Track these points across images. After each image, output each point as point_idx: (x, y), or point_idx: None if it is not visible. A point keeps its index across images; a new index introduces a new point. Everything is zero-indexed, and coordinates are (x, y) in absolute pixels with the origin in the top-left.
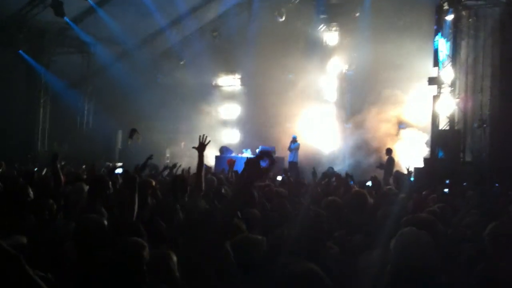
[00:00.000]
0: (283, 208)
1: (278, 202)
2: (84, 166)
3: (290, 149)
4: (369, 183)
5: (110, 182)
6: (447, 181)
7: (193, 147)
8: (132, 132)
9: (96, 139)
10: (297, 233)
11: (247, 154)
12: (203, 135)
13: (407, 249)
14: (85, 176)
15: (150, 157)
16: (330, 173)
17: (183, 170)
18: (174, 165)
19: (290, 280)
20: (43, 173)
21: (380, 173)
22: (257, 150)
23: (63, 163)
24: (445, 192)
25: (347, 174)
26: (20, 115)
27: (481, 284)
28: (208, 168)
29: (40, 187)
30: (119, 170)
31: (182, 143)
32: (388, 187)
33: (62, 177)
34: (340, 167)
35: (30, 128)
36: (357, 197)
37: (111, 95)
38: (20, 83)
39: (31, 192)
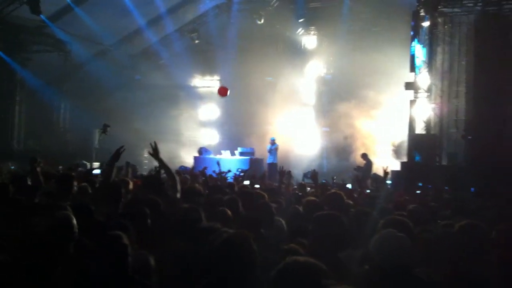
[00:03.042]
0: (267, 208)
1: (262, 203)
2: (60, 167)
3: (269, 150)
4: (349, 185)
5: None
6: (420, 184)
7: (149, 153)
8: (105, 127)
9: (72, 137)
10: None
11: (226, 155)
12: (153, 142)
13: (385, 249)
14: (73, 174)
15: (121, 148)
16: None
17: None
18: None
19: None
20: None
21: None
22: (237, 152)
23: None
24: (417, 193)
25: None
26: None
27: (450, 283)
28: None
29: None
30: (97, 171)
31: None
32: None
33: (41, 178)
34: (318, 169)
35: (5, 126)
36: (334, 197)
37: (88, 93)
38: None
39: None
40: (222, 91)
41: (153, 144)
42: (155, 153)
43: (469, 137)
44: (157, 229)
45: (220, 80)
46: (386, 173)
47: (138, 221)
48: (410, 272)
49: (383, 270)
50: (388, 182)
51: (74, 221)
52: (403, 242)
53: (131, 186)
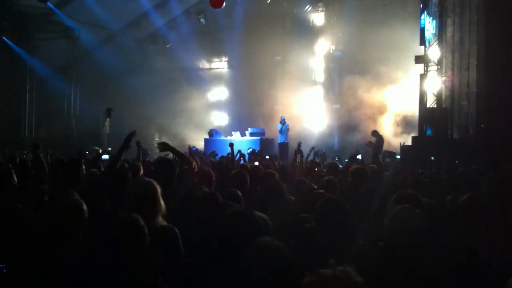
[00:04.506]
0: (278, 186)
1: (273, 182)
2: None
3: (281, 131)
4: (359, 157)
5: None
6: (432, 158)
7: (160, 150)
8: (108, 111)
9: (83, 124)
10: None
11: (237, 136)
12: (159, 142)
13: (402, 227)
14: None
15: (133, 133)
16: (318, 153)
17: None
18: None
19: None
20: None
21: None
22: (247, 132)
23: (50, 151)
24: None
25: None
26: (6, 102)
27: (451, 254)
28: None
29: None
30: (105, 156)
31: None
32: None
33: (45, 165)
34: (328, 146)
35: (16, 114)
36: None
37: (97, 79)
38: (4, 70)
39: (15, 178)
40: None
41: (159, 143)
42: (164, 146)
43: (482, 125)
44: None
45: (228, 61)
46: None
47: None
48: (423, 250)
49: (396, 249)
50: (398, 157)
51: (85, 207)
52: (420, 219)
53: (141, 171)
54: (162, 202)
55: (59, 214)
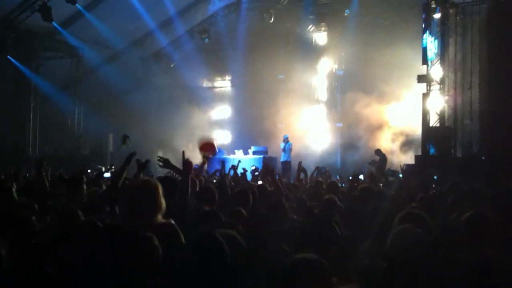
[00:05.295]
0: (281, 205)
1: (276, 200)
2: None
3: (284, 149)
4: (361, 177)
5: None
6: (435, 177)
7: (160, 166)
8: (124, 138)
9: (87, 142)
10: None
11: (239, 154)
12: (160, 156)
13: (402, 246)
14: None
15: (133, 154)
16: (322, 171)
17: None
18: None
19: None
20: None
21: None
22: (250, 151)
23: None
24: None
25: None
26: (10, 120)
27: (467, 272)
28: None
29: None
30: (107, 174)
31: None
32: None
33: (47, 182)
34: (332, 165)
35: (20, 132)
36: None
37: (101, 97)
38: (9, 88)
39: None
40: (207, 148)
41: (160, 158)
42: (165, 163)
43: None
44: None
45: (232, 80)
46: (402, 169)
47: None
48: (425, 269)
49: (398, 267)
50: (400, 175)
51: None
52: (420, 238)
53: None
54: (162, 200)
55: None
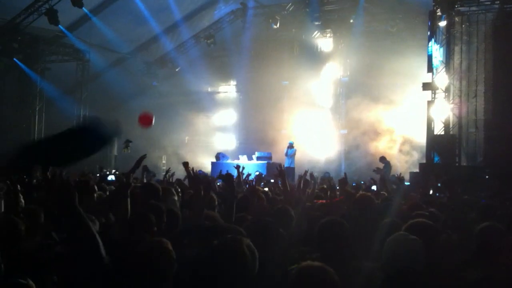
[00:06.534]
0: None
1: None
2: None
3: (287, 155)
4: (374, 187)
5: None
6: (439, 184)
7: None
8: (127, 142)
9: None
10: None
11: (243, 159)
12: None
13: (396, 253)
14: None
15: (143, 157)
16: (327, 178)
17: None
18: (167, 171)
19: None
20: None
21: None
22: (254, 156)
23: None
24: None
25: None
26: (15, 122)
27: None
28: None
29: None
30: (111, 177)
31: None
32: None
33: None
34: (336, 172)
35: (25, 135)
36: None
37: (106, 101)
38: (14, 90)
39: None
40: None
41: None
42: (186, 166)
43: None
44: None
45: (237, 85)
46: (401, 178)
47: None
48: (418, 276)
49: (391, 274)
50: (407, 183)
51: None
52: (414, 246)
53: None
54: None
55: None
